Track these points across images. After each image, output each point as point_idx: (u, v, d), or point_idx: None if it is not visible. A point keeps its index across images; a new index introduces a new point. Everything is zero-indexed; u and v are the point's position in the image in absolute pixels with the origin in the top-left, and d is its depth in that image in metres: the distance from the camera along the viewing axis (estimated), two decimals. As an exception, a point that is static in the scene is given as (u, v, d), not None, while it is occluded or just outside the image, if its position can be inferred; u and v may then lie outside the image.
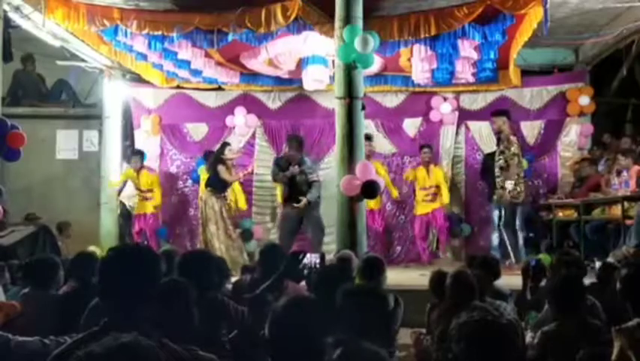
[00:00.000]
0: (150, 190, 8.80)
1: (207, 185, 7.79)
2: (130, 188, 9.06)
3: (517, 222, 8.13)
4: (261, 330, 2.48)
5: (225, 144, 8.07)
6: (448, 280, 3.67)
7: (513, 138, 7.36)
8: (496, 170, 7.28)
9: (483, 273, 4.06)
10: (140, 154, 8.90)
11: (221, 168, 7.67)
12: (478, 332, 1.99)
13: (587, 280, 4.15)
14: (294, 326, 2.14)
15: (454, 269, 3.94)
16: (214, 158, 7.86)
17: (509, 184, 7.14)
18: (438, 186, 8.59)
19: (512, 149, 7.22)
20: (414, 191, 8.85)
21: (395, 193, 8.85)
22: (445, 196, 8.59)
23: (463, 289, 3.53)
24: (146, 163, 9.01)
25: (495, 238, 8.22)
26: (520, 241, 8.13)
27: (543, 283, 4.30)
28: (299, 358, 2.12)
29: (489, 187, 8.15)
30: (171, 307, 2.37)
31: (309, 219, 7.43)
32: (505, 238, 7.54)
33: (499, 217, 8.11)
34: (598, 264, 5.73)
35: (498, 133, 7.47)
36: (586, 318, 3.08)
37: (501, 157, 7.25)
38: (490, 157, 8.27)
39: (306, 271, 4.07)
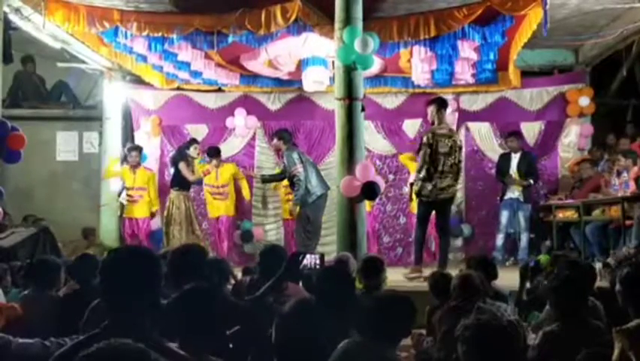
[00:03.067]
0: (143, 188, 8.41)
1: (172, 184, 7.77)
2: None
3: (523, 224, 8.09)
4: (261, 332, 2.48)
5: (193, 141, 8.01)
6: (455, 281, 3.67)
7: (452, 130, 6.70)
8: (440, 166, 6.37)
9: (481, 274, 4.06)
10: (139, 150, 8.52)
11: (182, 165, 7.63)
12: (481, 334, 2.00)
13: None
14: (301, 331, 2.15)
15: (460, 271, 3.93)
16: (177, 153, 7.79)
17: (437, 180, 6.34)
18: None
19: (443, 143, 6.36)
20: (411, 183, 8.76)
21: None
22: None
23: (470, 290, 3.54)
24: (145, 163, 8.92)
25: (500, 239, 8.22)
26: (525, 243, 8.13)
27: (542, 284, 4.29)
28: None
29: (503, 187, 8.20)
30: (194, 310, 2.34)
31: (298, 216, 7.45)
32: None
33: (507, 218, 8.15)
34: (598, 265, 5.74)
35: (432, 123, 6.56)
36: (587, 319, 3.07)
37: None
38: (503, 158, 8.29)
39: (304, 273, 4.07)
